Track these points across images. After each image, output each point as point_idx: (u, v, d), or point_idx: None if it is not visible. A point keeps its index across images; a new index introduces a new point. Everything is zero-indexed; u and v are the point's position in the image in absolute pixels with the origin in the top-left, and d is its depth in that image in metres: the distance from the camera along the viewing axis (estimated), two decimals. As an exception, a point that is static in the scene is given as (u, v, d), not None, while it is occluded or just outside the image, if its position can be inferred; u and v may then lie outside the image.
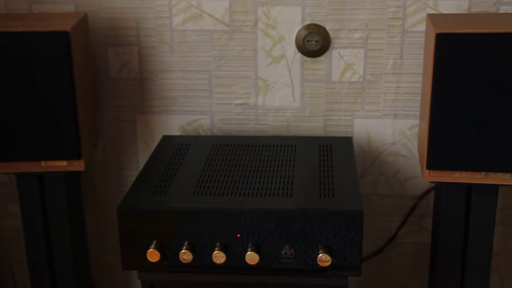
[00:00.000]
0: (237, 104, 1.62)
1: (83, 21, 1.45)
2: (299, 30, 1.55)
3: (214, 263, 1.23)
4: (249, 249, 1.22)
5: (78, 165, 1.40)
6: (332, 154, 1.45)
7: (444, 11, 1.50)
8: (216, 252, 1.22)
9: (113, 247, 1.76)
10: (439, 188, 1.38)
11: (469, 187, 1.34)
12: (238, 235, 1.23)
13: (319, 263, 1.21)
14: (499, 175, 1.29)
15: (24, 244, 1.52)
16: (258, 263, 1.22)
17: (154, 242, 1.24)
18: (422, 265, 1.69)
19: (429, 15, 1.40)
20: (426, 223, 1.66)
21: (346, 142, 1.52)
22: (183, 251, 1.23)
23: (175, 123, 1.64)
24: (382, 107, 1.59)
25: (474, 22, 1.34)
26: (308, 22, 1.55)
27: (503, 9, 1.49)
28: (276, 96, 1.60)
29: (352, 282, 1.71)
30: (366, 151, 1.62)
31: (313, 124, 1.61)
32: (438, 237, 1.38)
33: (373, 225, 1.67)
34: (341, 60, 1.56)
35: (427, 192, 1.63)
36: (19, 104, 1.34)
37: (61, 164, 1.39)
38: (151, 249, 1.23)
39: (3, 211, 1.76)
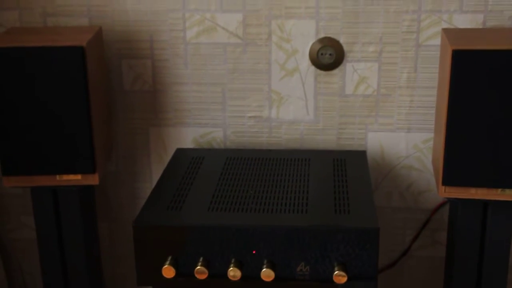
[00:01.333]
0: (250, 117, 1.62)
1: (98, 35, 1.45)
2: (313, 43, 1.55)
3: (229, 279, 1.23)
4: (265, 266, 1.22)
5: (92, 179, 1.40)
6: (347, 168, 1.45)
7: (459, 25, 1.50)
8: (231, 268, 1.22)
9: (126, 259, 1.76)
10: (454, 203, 1.38)
11: (485, 203, 1.33)
12: (254, 252, 1.22)
13: (335, 280, 1.21)
14: (516, 191, 1.28)
15: (37, 255, 1.52)
16: (273, 280, 1.22)
17: (169, 258, 1.24)
18: (436, 278, 1.68)
19: (444, 30, 1.39)
20: (440, 236, 1.65)
21: (360, 156, 1.52)
22: (198, 267, 1.22)
23: (189, 136, 1.64)
24: (396, 120, 1.58)
25: (490, 38, 1.33)
26: (322, 35, 1.54)
27: (518, 23, 1.49)
28: (289, 109, 1.60)
29: (365, 295, 1.70)
30: (380, 164, 1.62)
31: (327, 137, 1.61)
32: (453, 253, 1.38)
33: (387, 238, 1.66)
34: (355, 73, 1.56)
35: (441, 205, 1.62)
36: (34, 118, 1.34)
37: (76, 178, 1.40)
38: (166, 265, 1.23)
39: (17, 222, 1.76)
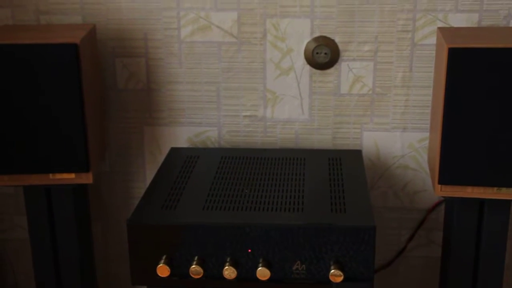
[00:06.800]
0: (245, 116, 1.61)
1: (92, 33, 1.44)
2: (308, 42, 1.54)
3: (225, 278, 1.22)
4: (260, 265, 1.21)
5: (86, 178, 1.39)
6: (342, 167, 1.44)
7: (454, 24, 1.50)
8: (226, 267, 1.21)
9: (120, 260, 1.74)
10: (450, 202, 1.37)
11: (481, 202, 1.32)
12: (249, 250, 1.21)
13: (331, 278, 1.20)
14: (512, 190, 1.28)
15: (29, 256, 1.51)
16: (269, 279, 1.21)
17: (164, 257, 1.23)
18: (431, 278, 1.67)
19: (440, 29, 1.39)
20: (435, 236, 1.65)
21: (356, 155, 1.51)
22: (193, 266, 1.21)
23: (183, 135, 1.63)
24: (391, 120, 1.58)
25: (486, 37, 1.33)
26: (317, 34, 1.54)
27: (513, 22, 1.49)
28: (284, 108, 1.60)
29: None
30: (375, 163, 1.61)
31: (322, 136, 1.60)
32: (449, 252, 1.37)
33: (382, 238, 1.66)
34: (350, 72, 1.55)
35: (436, 205, 1.62)
36: (27, 116, 1.33)
37: (69, 177, 1.38)
38: (161, 264, 1.22)
39: (9, 222, 1.74)
